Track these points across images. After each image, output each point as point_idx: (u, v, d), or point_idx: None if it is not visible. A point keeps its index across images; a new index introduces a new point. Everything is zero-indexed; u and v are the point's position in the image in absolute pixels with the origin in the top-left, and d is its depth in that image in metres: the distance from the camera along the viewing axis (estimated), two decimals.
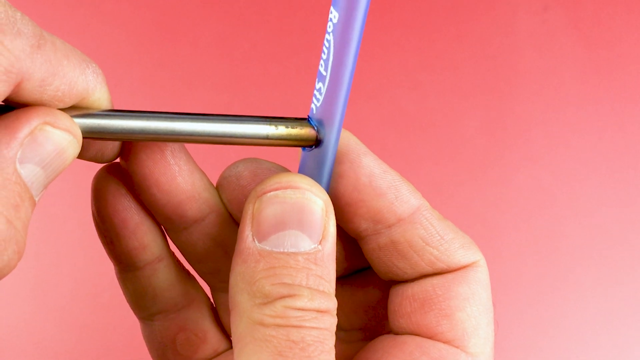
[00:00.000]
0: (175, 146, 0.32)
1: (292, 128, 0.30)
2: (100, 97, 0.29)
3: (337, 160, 0.32)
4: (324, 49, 0.30)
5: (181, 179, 0.33)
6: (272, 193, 0.29)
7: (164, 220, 0.34)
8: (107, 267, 0.71)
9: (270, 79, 0.75)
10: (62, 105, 0.27)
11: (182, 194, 0.33)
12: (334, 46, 0.30)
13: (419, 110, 0.76)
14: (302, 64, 0.76)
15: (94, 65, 0.28)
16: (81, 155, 0.30)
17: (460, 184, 0.75)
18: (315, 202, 0.29)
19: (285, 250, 0.28)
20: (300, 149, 0.31)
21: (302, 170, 0.31)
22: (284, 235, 0.28)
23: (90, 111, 0.28)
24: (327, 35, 0.30)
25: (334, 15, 0.29)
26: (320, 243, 0.29)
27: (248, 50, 0.76)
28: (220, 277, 0.36)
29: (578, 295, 0.73)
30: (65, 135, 0.27)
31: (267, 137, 0.30)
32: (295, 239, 0.28)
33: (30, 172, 0.26)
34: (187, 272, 0.37)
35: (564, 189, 0.75)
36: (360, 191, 0.32)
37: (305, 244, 0.28)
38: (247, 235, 0.29)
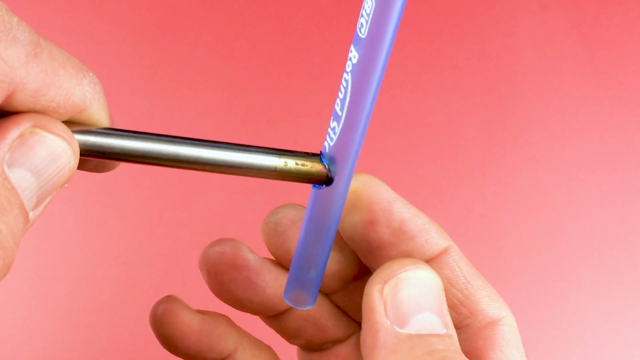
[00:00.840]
0: (255, 264, 0.33)
1: (302, 165, 0.30)
2: (97, 109, 0.27)
3: (369, 208, 0.32)
4: (342, 87, 0.29)
5: (270, 290, 0.34)
6: (404, 274, 0.29)
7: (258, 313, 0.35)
8: (107, 267, 0.71)
9: (270, 79, 0.75)
10: (56, 118, 0.26)
11: (272, 296, 0.34)
12: (352, 87, 0.29)
13: (419, 110, 0.76)
14: (302, 64, 0.76)
15: (91, 74, 0.27)
16: (80, 167, 0.29)
17: (460, 184, 0.75)
18: (438, 283, 0.30)
19: (432, 332, 0.28)
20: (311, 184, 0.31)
21: (311, 207, 0.31)
22: (424, 318, 0.28)
23: (89, 128, 0.27)
24: (345, 75, 0.29)
25: (353, 55, 0.29)
26: (448, 327, 0.29)
27: (248, 50, 0.76)
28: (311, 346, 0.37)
29: (578, 295, 0.73)
30: (59, 141, 0.26)
31: (275, 171, 0.29)
32: (432, 322, 0.29)
33: (21, 178, 0.25)
34: None
35: (564, 189, 0.75)
36: (392, 235, 0.32)
37: (439, 326, 0.29)
38: (387, 324, 0.28)
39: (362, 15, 0.28)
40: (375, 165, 0.74)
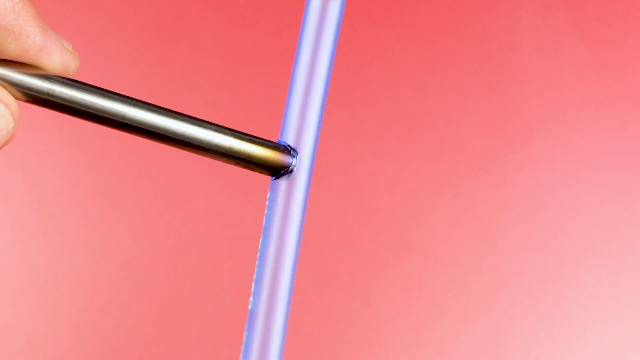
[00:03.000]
0: None
1: (257, 144, 0.27)
2: (13, 21, 0.24)
3: None
4: (294, 65, 0.28)
5: None
6: None
7: None
8: (107, 267, 0.71)
9: (270, 79, 0.75)
10: None
11: None
12: (303, 55, 0.28)
13: (419, 110, 0.76)
14: None
15: None
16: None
17: (461, 183, 0.74)
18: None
19: None
20: (269, 179, 0.29)
21: (271, 203, 0.29)
22: None
23: (40, 73, 0.25)
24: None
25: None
26: None
27: (248, 50, 0.76)
28: None
29: (579, 294, 0.73)
30: None
31: (229, 150, 0.27)
32: None
33: None
34: None
35: (565, 189, 0.75)
36: None
37: None
38: None
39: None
40: (375, 165, 0.74)
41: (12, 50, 0.24)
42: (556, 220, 0.74)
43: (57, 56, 0.25)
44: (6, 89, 0.24)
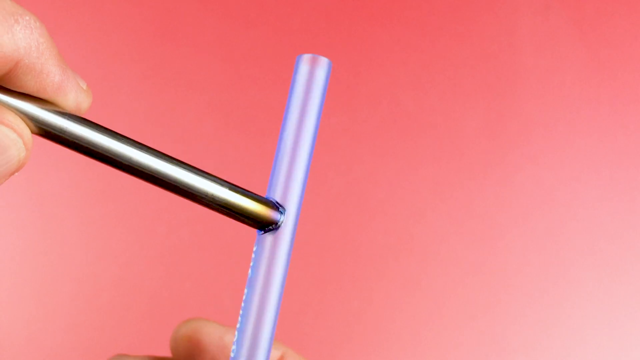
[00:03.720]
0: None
1: (250, 199, 0.29)
2: (36, 58, 0.24)
3: (206, 348, 0.32)
4: (282, 128, 0.30)
5: None
6: None
7: None
8: (107, 267, 0.71)
9: (270, 79, 0.75)
10: None
11: None
12: (290, 121, 0.30)
13: (419, 110, 0.76)
14: None
15: (27, 18, 0.24)
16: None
17: (461, 184, 0.74)
18: None
19: None
20: (256, 234, 0.30)
21: (257, 256, 0.30)
22: None
23: (60, 110, 0.26)
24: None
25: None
26: None
27: (248, 51, 0.76)
28: None
29: (579, 295, 0.73)
30: (8, 132, 0.24)
31: (224, 202, 0.29)
32: None
33: None
34: None
35: (565, 189, 0.75)
36: None
37: None
38: None
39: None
40: (375, 165, 0.74)
41: (31, 86, 0.25)
42: (556, 220, 0.74)
43: (72, 95, 0.26)
44: (22, 119, 0.25)
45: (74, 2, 0.75)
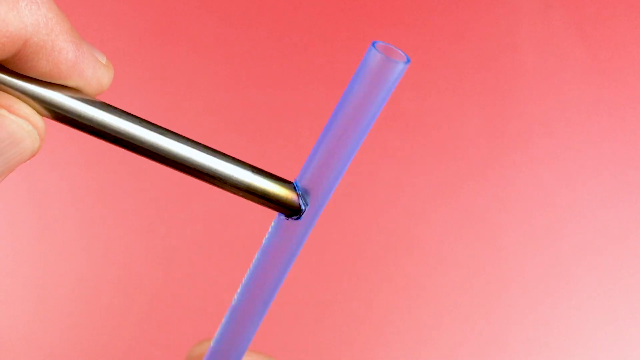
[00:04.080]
0: None
1: (275, 188, 0.28)
2: (46, 35, 0.23)
3: None
4: (332, 116, 0.27)
5: None
6: None
7: None
8: (107, 267, 0.71)
9: (270, 79, 0.75)
10: None
11: None
12: (343, 114, 0.26)
13: (419, 110, 0.76)
14: (302, 64, 0.76)
15: None
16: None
17: (461, 184, 0.74)
18: None
19: None
20: (276, 214, 0.29)
21: (272, 239, 0.29)
22: None
23: (75, 94, 0.25)
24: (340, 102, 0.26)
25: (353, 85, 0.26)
26: None
27: (248, 50, 0.76)
28: None
29: (579, 296, 0.73)
30: (22, 124, 0.24)
31: (246, 186, 0.27)
32: None
33: None
34: None
35: (565, 189, 0.75)
36: None
37: None
38: None
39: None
40: (375, 166, 0.74)
41: (44, 66, 0.24)
42: (557, 221, 0.74)
43: (90, 71, 0.25)
44: (35, 107, 0.24)
45: (74, 2, 0.75)
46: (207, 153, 0.27)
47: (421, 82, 0.76)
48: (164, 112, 0.74)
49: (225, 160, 0.27)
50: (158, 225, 0.72)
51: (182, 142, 0.27)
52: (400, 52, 0.26)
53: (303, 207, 0.28)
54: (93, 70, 0.25)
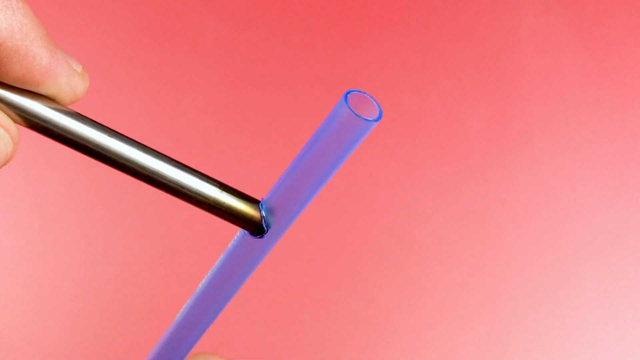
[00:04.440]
0: None
1: (239, 206, 0.28)
2: (20, 40, 0.23)
3: None
4: (301, 151, 0.27)
5: None
6: None
7: None
8: (107, 267, 0.71)
9: (270, 79, 0.75)
10: None
11: None
12: (311, 154, 0.26)
13: (419, 110, 0.76)
14: (302, 64, 0.76)
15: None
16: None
17: (462, 184, 0.74)
18: None
19: None
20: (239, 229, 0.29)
21: (231, 252, 0.29)
22: None
23: (48, 102, 0.25)
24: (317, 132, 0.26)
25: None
26: None
27: (248, 51, 0.76)
28: None
29: (579, 296, 0.73)
30: None
31: (211, 201, 0.28)
32: None
33: None
34: None
35: (566, 189, 0.75)
36: None
37: None
38: None
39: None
40: (375, 166, 0.74)
41: (17, 71, 0.24)
42: (558, 221, 0.74)
43: (64, 79, 0.25)
44: (7, 112, 0.24)
45: (74, 2, 0.75)
46: (176, 167, 0.27)
47: (421, 82, 0.76)
48: (164, 112, 0.74)
49: (193, 175, 0.28)
50: (158, 225, 0.72)
51: (151, 155, 0.27)
52: (375, 102, 0.26)
53: (265, 228, 0.28)
54: (67, 77, 0.25)
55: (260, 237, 0.28)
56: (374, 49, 0.76)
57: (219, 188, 0.28)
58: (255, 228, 0.28)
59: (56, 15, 0.74)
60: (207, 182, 0.28)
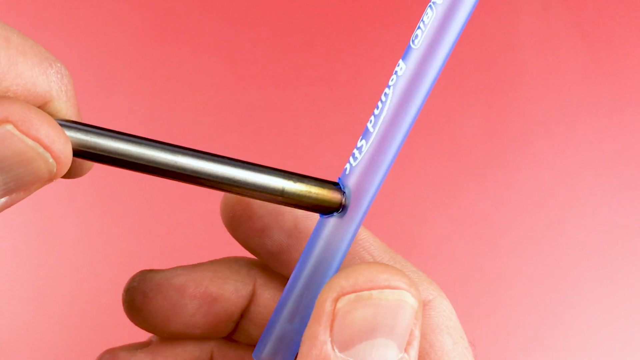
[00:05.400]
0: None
1: (312, 191, 0.26)
2: (64, 102, 0.24)
3: (256, 215, 0.29)
4: (379, 103, 0.26)
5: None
6: (365, 293, 0.24)
7: None
8: (107, 267, 0.71)
9: (270, 79, 0.75)
10: None
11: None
12: (392, 103, 0.26)
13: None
14: (302, 64, 0.76)
15: (59, 65, 0.24)
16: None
17: (461, 184, 0.74)
18: (411, 305, 0.25)
19: None
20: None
21: (315, 238, 0.27)
22: (372, 345, 0.24)
23: (81, 125, 0.24)
24: (386, 89, 0.26)
25: (400, 67, 0.25)
26: (406, 351, 0.25)
27: (248, 51, 0.76)
28: None
29: (579, 296, 0.73)
30: (31, 144, 0.22)
31: (281, 194, 0.26)
32: (385, 349, 0.24)
33: None
34: None
35: (566, 189, 0.75)
36: (289, 237, 0.31)
37: (393, 354, 0.24)
38: (325, 342, 0.24)
39: (419, 27, 0.25)
40: None
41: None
42: (557, 221, 0.74)
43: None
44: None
45: (74, 2, 0.75)
46: (236, 166, 0.26)
47: None
48: (164, 112, 0.74)
49: (257, 171, 0.26)
50: (158, 225, 0.72)
51: (203, 159, 0.25)
52: None
53: (347, 202, 0.27)
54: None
55: (342, 214, 0.27)
56: (374, 49, 0.76)
57: (286, 178, 0.26)
58: (336, 206, 0.27)
59: (56, 15, 0.74)
60: (274, 175, 0.26)
